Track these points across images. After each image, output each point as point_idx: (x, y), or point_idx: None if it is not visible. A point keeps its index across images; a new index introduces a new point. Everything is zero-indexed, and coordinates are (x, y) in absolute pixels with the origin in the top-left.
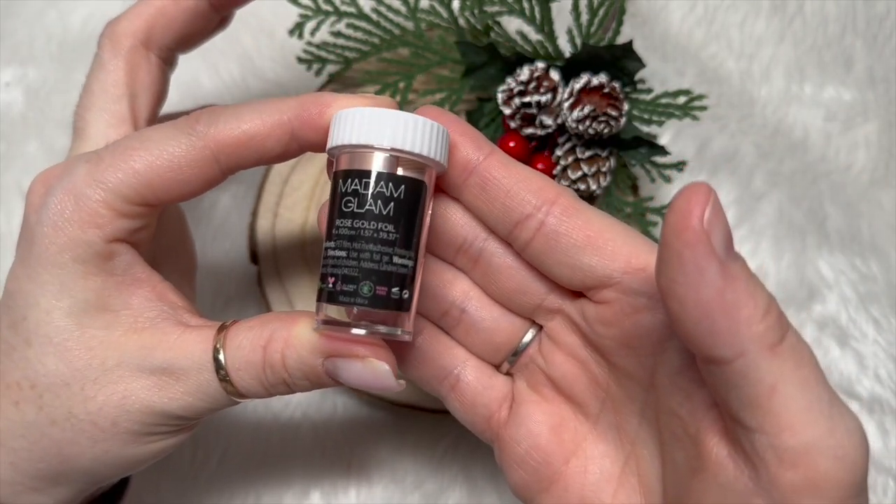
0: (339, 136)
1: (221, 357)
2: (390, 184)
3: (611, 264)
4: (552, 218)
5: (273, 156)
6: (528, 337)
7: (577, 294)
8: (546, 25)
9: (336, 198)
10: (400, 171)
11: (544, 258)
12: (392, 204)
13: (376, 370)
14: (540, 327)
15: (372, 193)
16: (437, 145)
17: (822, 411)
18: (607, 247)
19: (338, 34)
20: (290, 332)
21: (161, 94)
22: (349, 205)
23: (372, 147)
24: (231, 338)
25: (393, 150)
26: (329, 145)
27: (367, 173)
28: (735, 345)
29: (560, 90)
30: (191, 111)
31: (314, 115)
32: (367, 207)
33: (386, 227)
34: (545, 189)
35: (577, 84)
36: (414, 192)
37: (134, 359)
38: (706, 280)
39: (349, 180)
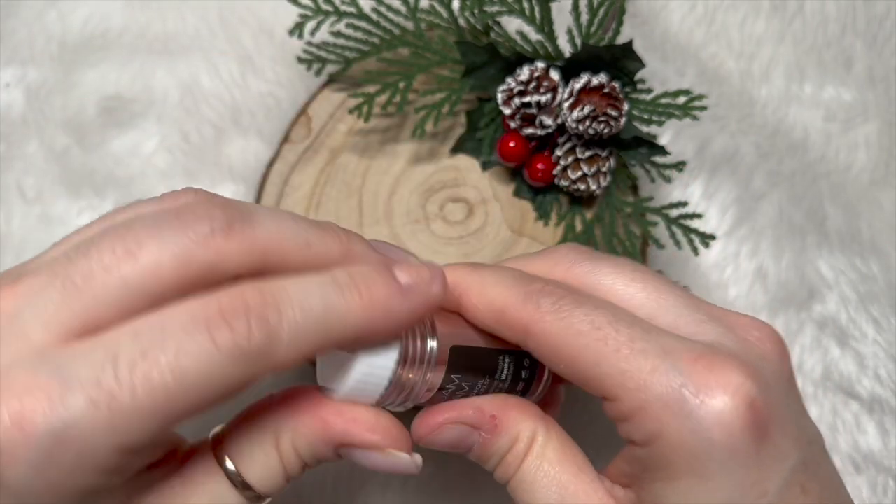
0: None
1: (230, 466)
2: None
3: None
4: None
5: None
6: None
7: None
8: (546, 25)
9: None
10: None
11: None
12: None
13: (396, 460)
14: None
15: None
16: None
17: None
18: None
19: (338, 34)
20: (296, 422)
21: None
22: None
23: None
24: (236, 448)
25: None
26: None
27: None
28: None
29: (560, 90)
30: None
31: None
32: None
33: None
34: None
35: (577, 84)
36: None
37: None
38: None
39: None
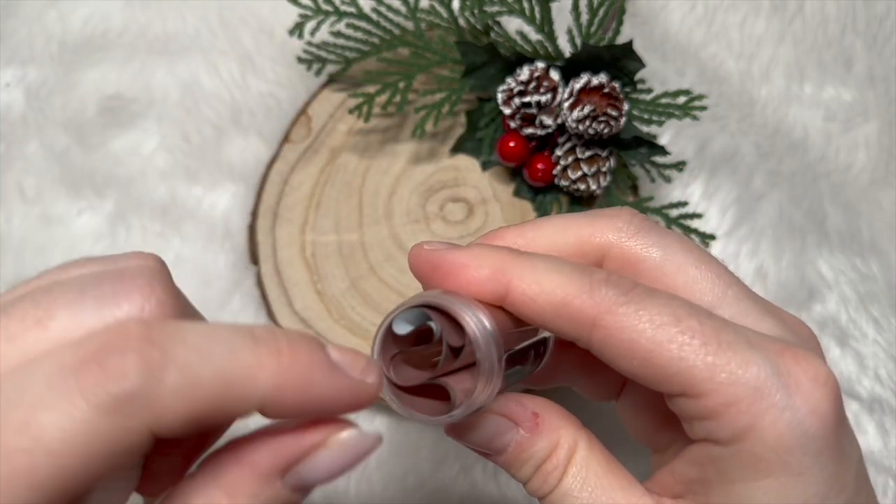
0: None
1: None
2: None
3: None
4: None
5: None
6: None
7: None
8: (546, 25)
9: None
10: None
11: None
12: None
13: (345, 444)
14: None
15: None
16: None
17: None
18: None
19: (338, 34)
20: (233, 489)
21: None
22: None
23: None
24: None
25: None
26: None
27: None
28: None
29: (560, 90)
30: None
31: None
32: None
33: None
34: None
35: (577, 84)
36: None
37: None
38: None
39: None
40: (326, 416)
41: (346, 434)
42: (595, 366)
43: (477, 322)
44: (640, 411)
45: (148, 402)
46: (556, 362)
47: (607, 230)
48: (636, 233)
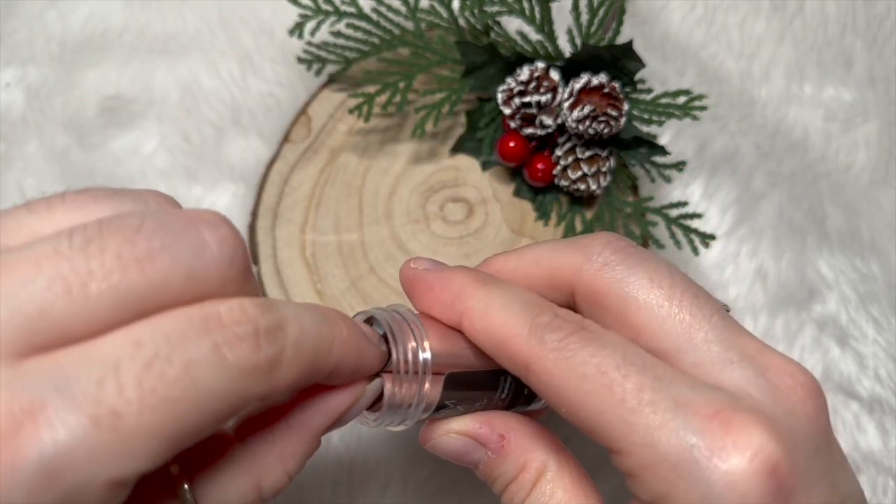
0: None
1: None
2: None
3: None
4: None
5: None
6: None
7: None
8: (546, 25)
9: None
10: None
11: None
12: None
13: (369, 394)
14: None
15: None
16: None
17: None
18: None
19: (338, 34)
20: (282, 453)
21: None
22: None
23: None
24: (208, 497)
25: None
26: None
27: None
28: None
29: (560, 90)
30: None
31: None
32: None
33: None
34: None
35: (577, 84)
36: None
37: None
38: None
39: None
40: (360, 378)
41: (371, 385)
42: None
43: (400, 332)
44: None
45: (273, 373)
46: None
47: (576, 262)
48: (602, 265)
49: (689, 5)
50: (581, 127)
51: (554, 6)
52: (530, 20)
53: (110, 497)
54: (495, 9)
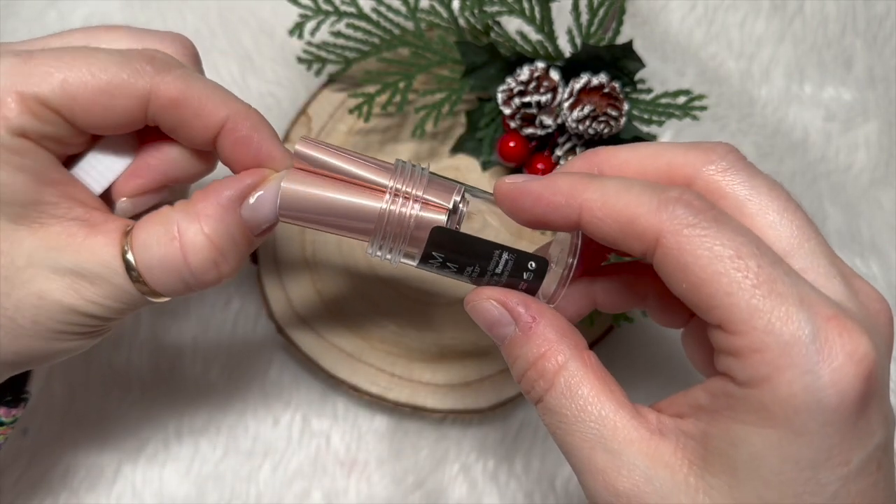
0: None
1: (131, 258)
2: None
3: None
4: None
5: (194, 142)
6: None
7: None
8: (546, 25)
9: None
10: None
11: None
12: None
13: (277, 180)
14: None
15: None
16: None
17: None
18: None
19: (338, 34)
20: (197, 213)
21: None
22: None
23: None
24: (136, 238)
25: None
26: None
27: None
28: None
29: (560, 90)
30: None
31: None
32: None
33: None
34: None
35: (577, 84)
36: None
37: (44, 259)
38: None
39: None
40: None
41: (276, 175)
42: (665, 293)
43: (404, 170)
44: (700, 343)
45: (155, 73)
46: (629, 285)
47: (698, 161)
48: (726, 168)
49: (689, 5)
50: (581, 127)
51: (554, 6)
52: (530, 20)
53: (37, 119)
54: (495, 9)
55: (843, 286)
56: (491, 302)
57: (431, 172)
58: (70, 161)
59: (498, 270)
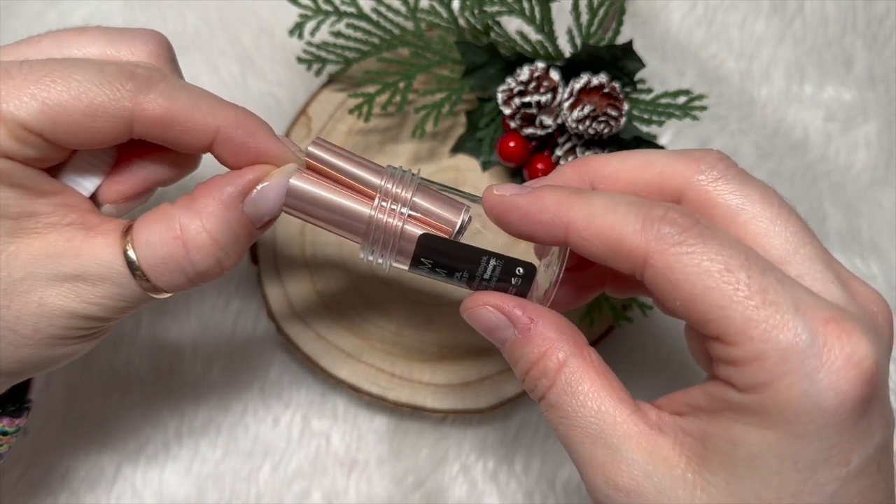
0: None
1: (132, 256)
2: None
3: None
4: None
5: (187, 147)
6: None
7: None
8: (546, 25)
9: None
10: None
11: None
12: None
13: (281, 174)
14: None
15: None
16: None
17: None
18: None
19: (338, 34)
20: (199, 210)
21: None
22: None
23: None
24: (137, 236)
25: None
26: None
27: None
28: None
29: (560, 90)
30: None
31: (242, 137)
32: None
33: None
34: None
35: (577, 84)
36: None
37: (42, 268)
38: None
39: None
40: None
41: (278, 169)
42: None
43: (394, 175)
44: (701, 338)
45: (139, 91)
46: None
47: (689, 171)
48: (717, 178)
49: (689, 5)
50: (581, 127)
51: (554, 6)
52: (530, 20)
53: (19, 143)
54: (495, 9)
55: (840, 290)
56: (487, 308)
57: (441, 184)
58: (57, 167)
59: (486, 276)
